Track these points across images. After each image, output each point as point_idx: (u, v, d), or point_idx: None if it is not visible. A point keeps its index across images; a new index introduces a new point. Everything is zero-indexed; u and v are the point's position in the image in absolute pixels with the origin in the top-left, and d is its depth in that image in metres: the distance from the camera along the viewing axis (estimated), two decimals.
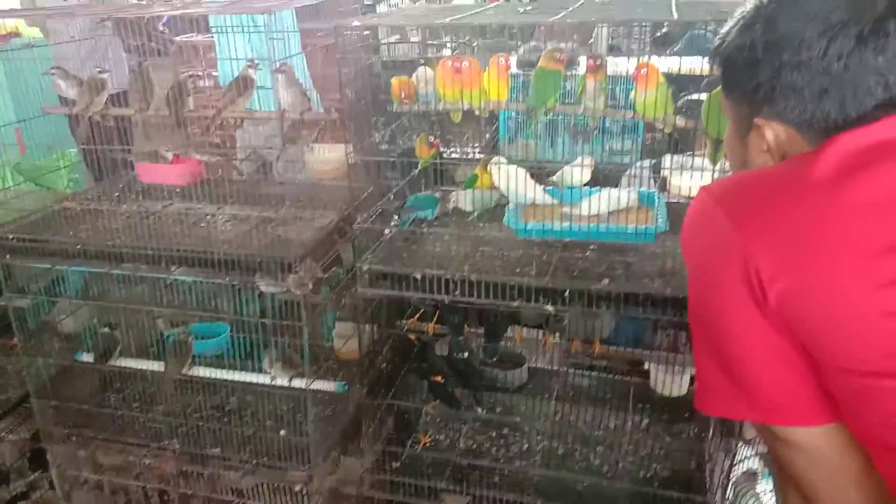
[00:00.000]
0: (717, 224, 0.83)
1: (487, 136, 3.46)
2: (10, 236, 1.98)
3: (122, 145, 2.20)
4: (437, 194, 1.97)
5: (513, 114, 3.21)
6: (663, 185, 2.06)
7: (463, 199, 1.97)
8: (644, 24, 2.42)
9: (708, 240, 0.85)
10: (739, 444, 1.87)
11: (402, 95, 1.74)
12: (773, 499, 1.91)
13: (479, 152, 3.24)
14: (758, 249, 0.79)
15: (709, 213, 0.84)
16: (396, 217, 1.91)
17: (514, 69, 2.24)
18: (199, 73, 2.16)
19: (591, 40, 4.24)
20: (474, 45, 4.31)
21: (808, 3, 0.83)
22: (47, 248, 1.98)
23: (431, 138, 1.91)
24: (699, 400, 0.91)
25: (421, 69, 1.80)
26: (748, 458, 1.97)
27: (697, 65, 2.72)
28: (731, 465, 1.80)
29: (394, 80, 1.82)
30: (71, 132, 2.89)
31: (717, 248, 0.83)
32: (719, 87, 1.45)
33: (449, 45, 4.19)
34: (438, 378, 2.01)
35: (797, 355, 0.82)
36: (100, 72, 2.00)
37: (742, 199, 0.84)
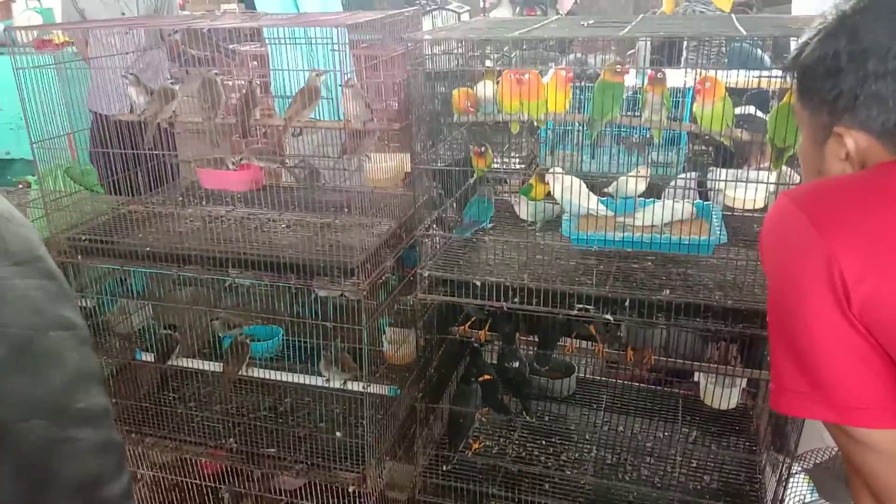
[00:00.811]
0: (800, 228, 0.85)
1: (529, 145, 3.50)
2: (83, 237, 2.06)
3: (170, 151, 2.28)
4: (492, 200, 2.00)
5: (552, 124, 3.25)
6: (716, 198, 2.08)
7: (519, 208, 2.01)
8: (713, 38, 2.43)
9: (790, 243, 0.87)
10: (790, 460, 1.86)
11: (467, 105, 1.79)
12: None
13: (518, 163, 3.28)
14: (842, 253, 0.81)
15: (791, 217, 0.87)
16: (459, 223, 1.96)
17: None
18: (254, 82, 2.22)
19: (632, 52, 4.26)
20: (513, 56, 4.36)
21: (893, 15, 0.86)
22: (117, 250, 2.06)
23: (481, 149, 1.95)
24: (774, 400, 0.93)
25: (482, 82, 1.85)
26: (798, 473, 1.97)
27: (741, 78, 2.74)
28: (783, 480, 1.79)
29: (455, 92, 1.86)
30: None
31: (799, 252, 0.86)
32: (787, 98, 1.48)
33: (492, 57, 4.24)
34: (487, 377, 2.04)
35: (878, 358, 0.84)
36: (172, 82, 2.07)
37: (825, 204, 0.87)
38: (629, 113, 1.81)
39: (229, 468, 2.27)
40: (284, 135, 2.25)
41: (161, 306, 2.40)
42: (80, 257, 2.08)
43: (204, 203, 2.27)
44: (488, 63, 3.25)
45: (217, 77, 2.10)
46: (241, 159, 2.11)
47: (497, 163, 3.04)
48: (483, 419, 2.21)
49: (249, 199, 2.23)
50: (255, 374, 2.27)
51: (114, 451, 0.69)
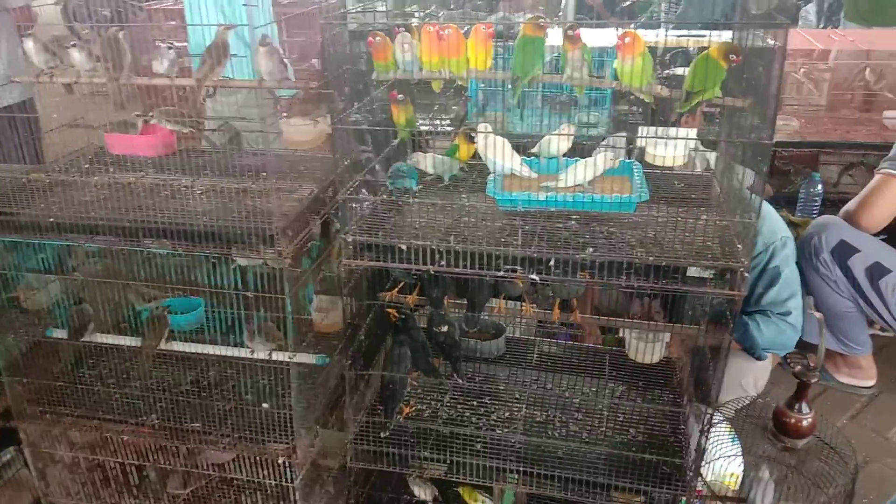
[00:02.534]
0: None
1: (456, 108, 3.46)
2: None
3: None
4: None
5: (481, 85, 3.22)
6: (640, 156, 2.09)
7: (424, 162, 1.98)
8: None
9: None
10: (711, 410, 1.92)
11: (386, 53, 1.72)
12: (741, 462, 1.99)
13: (447, 125, 3.25)
14: None
15: None
16: (388, 181, 1.91)
17: None
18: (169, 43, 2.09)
19: (560, 12, 4.26)
20: (440, 15, 4.29)
21: None
22: (17, 222, 1.92)
23: (399, 96, 1.89)
24: None
25: (400, 35, 1.77)
26: (720, 423, 2.04)
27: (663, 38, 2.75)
28: (706, 429, 1.85)
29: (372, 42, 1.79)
30: None
31: None
32: (707, 51, 1.49)
33: (416, 15, 4.15)
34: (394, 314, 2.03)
35: None
36: (73, 43, 1.92)
37: None
38: (551, 73, 1.78)
39: (153, 445, 2.20)
40: (198, 96, 2.13)
41: (72, 280, 2.27)
42: None
43: (112, 170, 2.14)
44: (414, 22, 3.17)
45: (120, 34, 1.96)
46: (150, 117, 1.99)
47: (426, 125, 2.99)
48: (414, 383, 2.20)
49: (161, 165, 2.12)
50: (176, 348, 2.19)
51: None
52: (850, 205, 2.91)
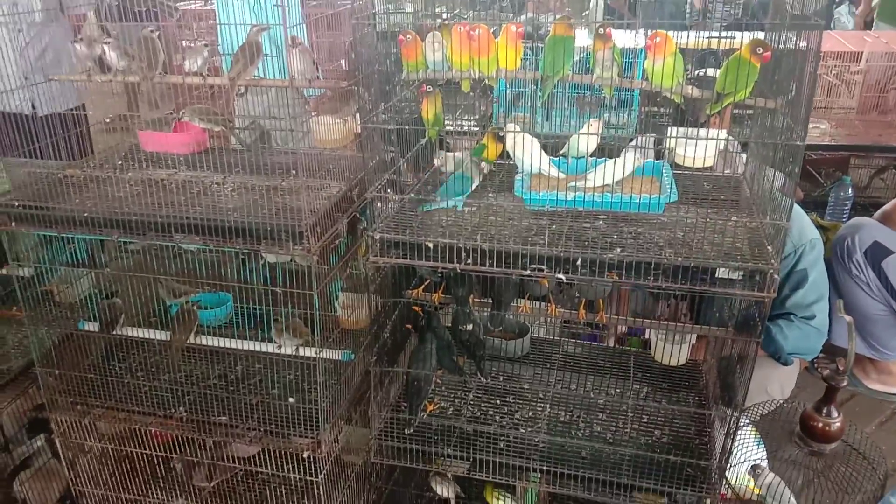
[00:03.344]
0: None
1: (483, 108, 3.47)
2: (16, 203, 1.96)
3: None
4: (471, 174, 1.94)
5: (508, 86, 3.22)
6: (669, 157, 2.08)
7: (444, 163, 1.98)
8: None
9: None
10: (737, 413, 1.91)
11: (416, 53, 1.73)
12: (767, 463, 1.97)
13: (473, 125, 3.25)
14: None
15: None
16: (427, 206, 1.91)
17: None
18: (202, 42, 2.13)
19: (587, 12, 4.24)
20: (467, 16, 4.29)
21: None
22: (52, 216, 1.96)
23: (429, 87, 1.89)
24: None
25: (430, 34, 1.79)
26: (746, 426, 2.03)
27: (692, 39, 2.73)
28: (732, 432, 1.84)
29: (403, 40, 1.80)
30: None
31: None
32: (737, 54, 1.48)
33: (444, 16, 4.16)
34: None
35: None
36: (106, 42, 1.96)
37: None
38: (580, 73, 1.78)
39: (181, 438, 2.23)
40: (231, 95, 2.16)
41: (103, 275, 2.31)
42: (13, 224, 1.98)
43: (145, 166, 2.18)
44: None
45: (153, 34, 2.00)
46: (182, 115, 2.02)
47: (451, 125, 3.00)
48: (438, 381, 2.21)
49: (192, 162, 2.15)
50: (204, 342, 2.22)
51: None
52: (888, 206, 2.88)
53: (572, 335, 2.57)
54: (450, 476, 2.24)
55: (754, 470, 1.91)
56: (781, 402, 2.17)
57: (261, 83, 1.96)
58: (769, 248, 1.59)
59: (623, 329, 2.73)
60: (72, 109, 3.01)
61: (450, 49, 1.74)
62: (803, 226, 2.52)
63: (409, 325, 2.12)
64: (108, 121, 2.61)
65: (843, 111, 3.89)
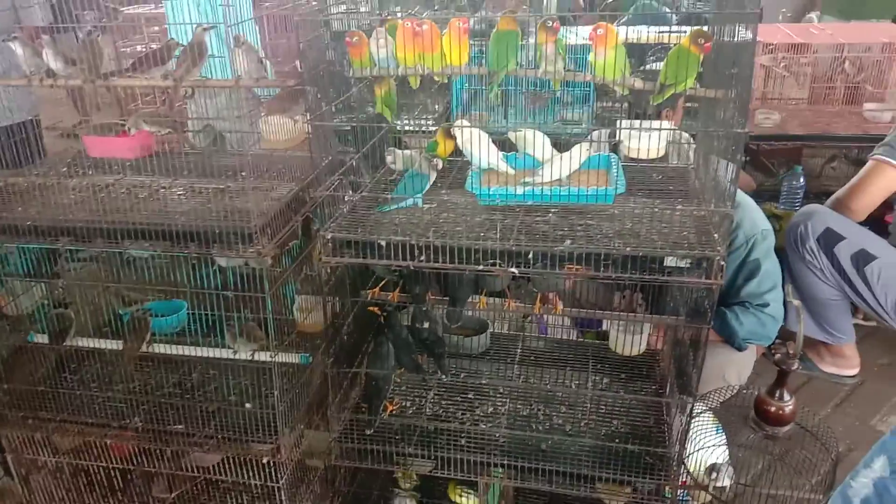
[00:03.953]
0: None
1: (440, 107, 3.47)
2: None
3: None
4: (427, 170, 1.92)
5: (466, 84, 3.23)
6: (616, 149, 2.10)
7: (395, 159, 1.98)
8: None
9: None
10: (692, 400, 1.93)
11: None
12: (726, 452, 2.00)
13: (431, 125, 3.25)
14: None
15: None
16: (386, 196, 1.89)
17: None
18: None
19: (544, 9, 4.26)
20: (423, 16, 4.29)
21: None
22: None
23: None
24: None
25: (376, 31, 1.77)
26: (703, 413, 2.05)
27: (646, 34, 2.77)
28: (688, 420, 1.86)
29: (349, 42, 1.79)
30: None
31: None
32: (678, 45, 1.50)
33: (399, 16, 4.15)
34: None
35: None
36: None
37: None
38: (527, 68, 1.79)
39: (138, 449, 2.18)
40: (176, 96, 2.13)
41: (53, 285, 2.26)
42: None
43: (90, 173, 2.13)
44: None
45: (97, 37, 1.96)
46: (127, 126, 1.98)
47: (409, 125, 2.99)
48: (398, 380, 2.20)
49: (139, 167, 2.11)
50: (158, 350, 2.18)
51: None
52: (841, 191, 2.94)
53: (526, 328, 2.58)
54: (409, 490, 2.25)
55: (712, 470, 1.94)
56: (738, 387, 2.20)
57: (207, 84, 1.93)
58: (715, 235, 1.61)
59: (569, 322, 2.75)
60: (25, 121, 2.92)
61: (396, 45, 1.73)
62: (755, 217, 2.56)
63: (374, 309, 2.09)
64: (58, 129, 2.55)
65: (793, 102, 3.97)
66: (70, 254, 2.26)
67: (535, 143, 1.85)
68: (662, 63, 1.67)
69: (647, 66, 2.88)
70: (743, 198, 2.55)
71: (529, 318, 2.55)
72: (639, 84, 1.64)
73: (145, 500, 2.36)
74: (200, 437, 2.06)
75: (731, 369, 2.60)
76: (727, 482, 1.94)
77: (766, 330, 2.53)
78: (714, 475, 1.88)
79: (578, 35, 2.80)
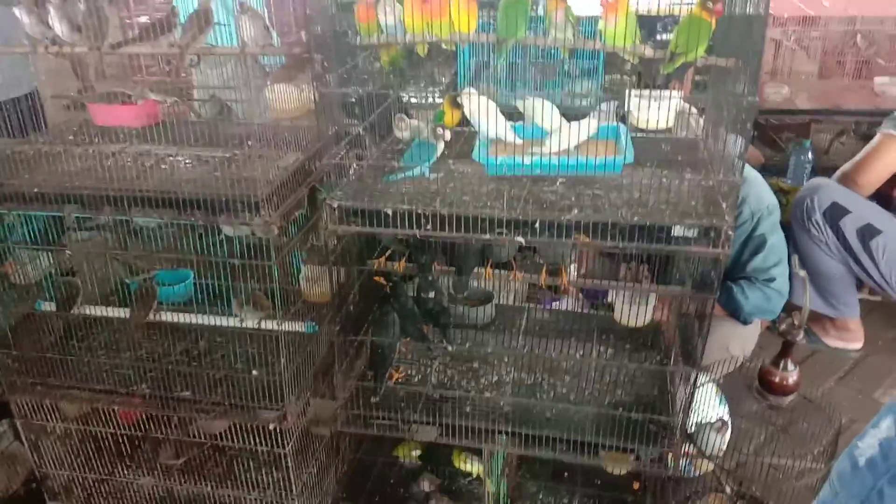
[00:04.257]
0: None
1: (446, 78, 3.44)
2: None
3: None
4: (434, 139, 1.91)
5: (471, 54, 3.19)
6: (624, 120, 2.09)
7: (402, 126, 1.96)
8: None
9: None
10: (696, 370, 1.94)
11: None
12: (728, 420, 2.02)
13: (437, 97, 3.23)
14: None
15: None
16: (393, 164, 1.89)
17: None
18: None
19: None
20: None
21: None
22: (2, 193, 1.91)
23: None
24: None
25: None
26: (707, 383, 2.07)
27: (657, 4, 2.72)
28: (692, 390, 1.87)
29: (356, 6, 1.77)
30: None
31: None
32: (689, 13, 1.48)
33: None
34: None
35: None
36: None
37: None
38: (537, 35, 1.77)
39: (146, 415, 2.21)
40: (181, 64, 2.11)
41: (60, 254, 2.26)
42: None
43: (97, 141, 2.13)
44: None
45: (104, 2, 1.94)
46: (133, 97, 1.97)
47: (415, 98, 2.97)
48: (403, 349, 2.21)
49: (145, 136, 2.10)
50: (165, 318, 2.19)
51: None
52: (847, 165, 2.93)
53: (536, 301, 2.58)
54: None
55: (717, 425, 1.95)
56: (742, 359, 2.21)
57: (213, 52, 1.92)
58: (723, 205, 1.61)
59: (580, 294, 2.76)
60: (25, 95, 2.90)
61: (404, 12, 1.72)
62: (761, 192, 2.55)
63: (380, 279, 2.09)
64: (65, 98, 2.54)
65: (803, 76, 3.93)
66: (77, 222, 2.26)
67: (544, 111, 1.84)
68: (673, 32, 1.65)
69: (657, 38, 2.85)
70: (749, 172, 2.54)
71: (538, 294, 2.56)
72: (649, 52, 1.63)
73: (153, 466, 2.39)
74: (207, 403, 2.08)
75: (734, 342, 2.61)
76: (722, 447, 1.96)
77: (772, 304, 2.53)
78: (713, 436, 1.89)
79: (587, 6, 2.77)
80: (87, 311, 2.25)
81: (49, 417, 2.25)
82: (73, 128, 2.25)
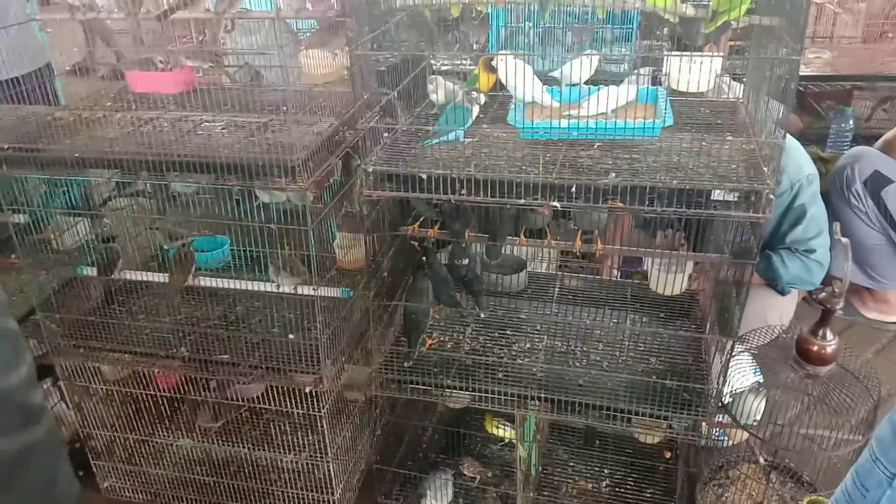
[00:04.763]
0: None
1: (479, 44, 3.40)
2: (5, 146, 1.94)
3: None
4: (469, 103, 1.90)
5: (504, 23, 3.15)
6: (665, 83, 2.05)
7: (435, 87, 1.95)
8: None
9: None
10: (733, 339, 1.92)
11: None
12: (763, 394, 2.00)
13: (469, 64, 3.19)
14: None
15: None
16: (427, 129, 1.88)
17: None
18: None
19: None
20: None
21: None
22: (43, 158, 1.95)
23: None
24: None
25: None
26: (742, 353, 2.04)
27: None
28: (728, 358, 1.85)
29: None
30: None
31: None
32: None
33: None
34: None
35: None
36: None
37: None
38: None
39: (185, 378, 2.26)
40: (218, 30, 2.12)
41: (99, 220, 2.31)
42: (3, 168, 1.97)
43: (134, 107, 2.15)
44: None
45: None
46: (167, 63, 1.99)
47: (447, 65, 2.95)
48: (436, 316, 2.22)
49: (182, 102, 2.12)
50: (203, 283, 2.23)
51: (7, 339, 0.67)
52: (890, 133, 2.85)
53: (570, 271, 2.57)
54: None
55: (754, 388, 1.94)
56: (781, 328, 2.18)
57: (248, 16, 1.92)
58: (765, 168, 1.57)
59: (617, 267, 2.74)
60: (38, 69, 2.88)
61: None
62: (800, 161, 2.49)
63: (415, 243, 2.10)
64: (106, 65, 2.56)
65: (845, 41, 3.81)
66: (117, 188, 2.30)
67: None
68: None
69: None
70: (789, 140, 2.48)
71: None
72: (690, 11, 1.59)
73: (191, 428, 2.45)
74: (245, 367, 2.12)
75: (772, 312, 2.57)
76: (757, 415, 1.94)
77: (812, 276, 2.48)
78: (750, 399, 1.88)
79: None
80: (128, 276, 2.30)
81: (91, 379, 2.32)
82: (111, 94, 2.27)
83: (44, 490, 0.71)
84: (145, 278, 2.29)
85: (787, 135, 2.36)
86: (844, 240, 1.77)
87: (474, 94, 1.86)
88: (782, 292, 2.55)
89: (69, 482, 0.77)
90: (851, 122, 3.47)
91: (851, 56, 3.65)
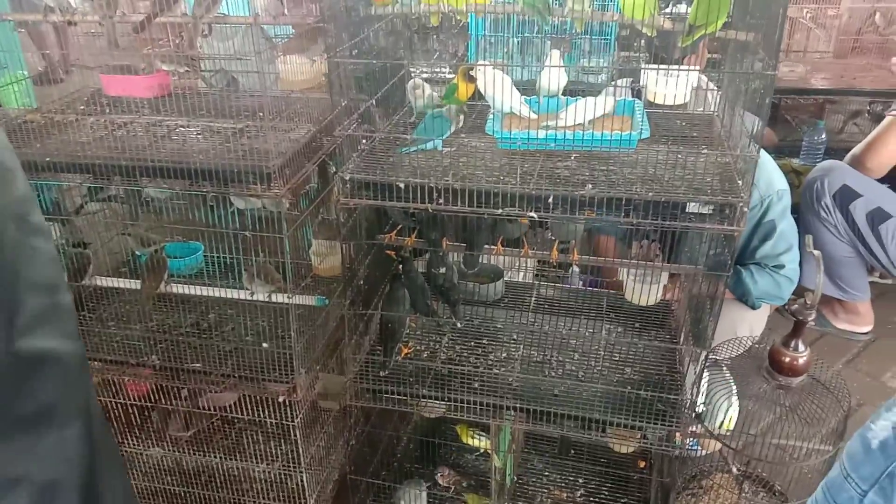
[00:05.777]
0: None
1: (459, 51, 3.40)
2: None
3: None
4: (450, 113, 1.89)
5: (484, 32, 3.16)
6: (638, 95, 2.07)
7: (416, 90, 1.95)
8: None
9: None
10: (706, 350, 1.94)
11: None
12: (736, 403, 2.01)
13: (448, 72, 3.20)
14: None
15: None
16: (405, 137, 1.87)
17: None
18: None
19: None
20: None
21: None
22: None
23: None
24: None
25: None
26: (716, 364, 2.06)
27: None
28: (701, 369, 1.87)
29: None
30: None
31: None
32: None
33: None
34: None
35: None
36: None
37: None
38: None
39: (156, 387, 2.22)
40: (195, 34, 2.09)
41: (70, 225, 2.27)
42: None
43: (108, 111, 2.12)
44: None
45: None
46: (143, 68, 1.96)
47: (426, 73, 2.95)
48: (413, 325, 2.21)
49: (156, 106, 2.09)
50: (176, 290, 2.20)
51: (61, 267, 0.78)
52: (857, 148, 2.90)
53: (551, 280, 2.58)
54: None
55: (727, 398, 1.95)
56: (751, 341, 2.20)
57: (226, 20, 1.90)
58: (739, 182, 1.59)
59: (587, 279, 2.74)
60: None
61: None
62: (771, 177, 2.52)
63: (391, 252, 2.09)
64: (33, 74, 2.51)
65: (818, 55, 3.88)
66: (90, 193, 2.27)
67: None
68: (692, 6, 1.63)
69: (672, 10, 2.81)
70: (761, 155, 2.50)
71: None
72: (668, 25, 1.60)
73: (162, 438, 2.41)
74: (217, 375, 2.09)
75: (742, 326, 2.59)
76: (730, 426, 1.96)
77: (781, 291, 2.51)
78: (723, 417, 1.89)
79: None
80: (98, 282, 2.26)
81: None
82: (84, 97, 2.24)
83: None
84: (116, 285, 2.25)
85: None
86: (817, 252, 1.80)
87: (461, 116, 1.86)
88: (753, 307, 2.57)
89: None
90: (824, 135, 3.54)
91: (824, 70, 3.71)
